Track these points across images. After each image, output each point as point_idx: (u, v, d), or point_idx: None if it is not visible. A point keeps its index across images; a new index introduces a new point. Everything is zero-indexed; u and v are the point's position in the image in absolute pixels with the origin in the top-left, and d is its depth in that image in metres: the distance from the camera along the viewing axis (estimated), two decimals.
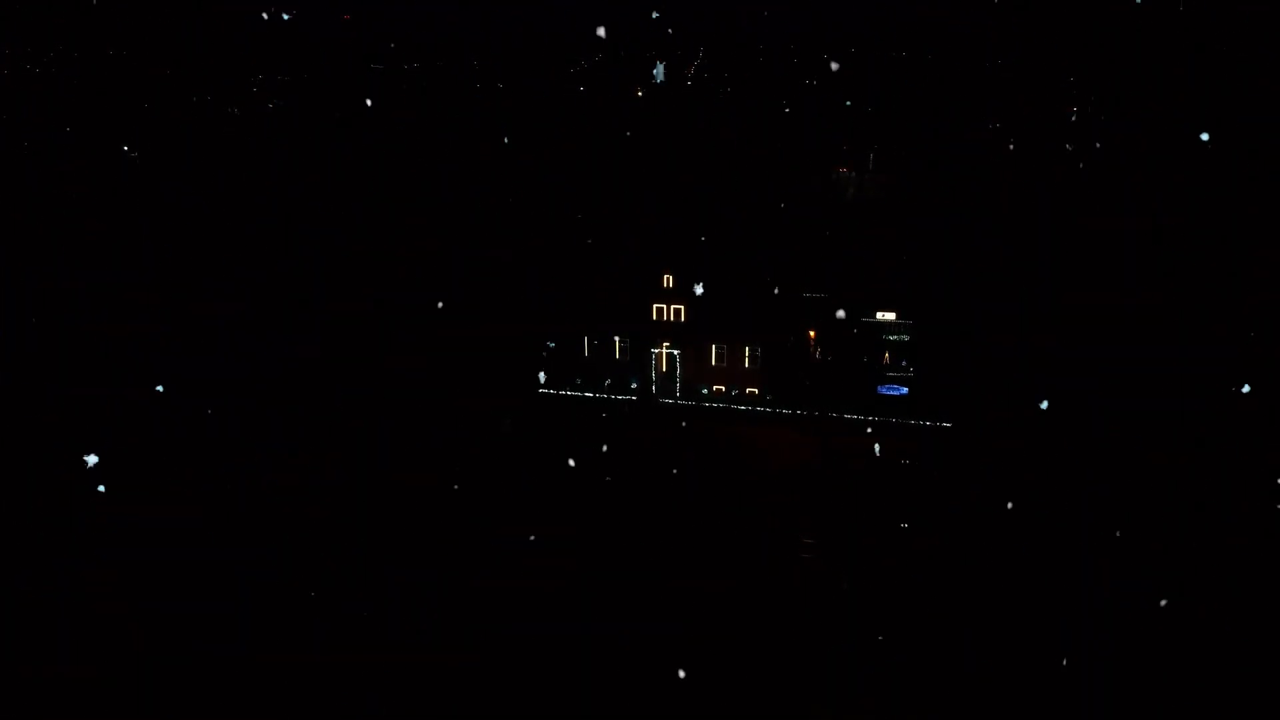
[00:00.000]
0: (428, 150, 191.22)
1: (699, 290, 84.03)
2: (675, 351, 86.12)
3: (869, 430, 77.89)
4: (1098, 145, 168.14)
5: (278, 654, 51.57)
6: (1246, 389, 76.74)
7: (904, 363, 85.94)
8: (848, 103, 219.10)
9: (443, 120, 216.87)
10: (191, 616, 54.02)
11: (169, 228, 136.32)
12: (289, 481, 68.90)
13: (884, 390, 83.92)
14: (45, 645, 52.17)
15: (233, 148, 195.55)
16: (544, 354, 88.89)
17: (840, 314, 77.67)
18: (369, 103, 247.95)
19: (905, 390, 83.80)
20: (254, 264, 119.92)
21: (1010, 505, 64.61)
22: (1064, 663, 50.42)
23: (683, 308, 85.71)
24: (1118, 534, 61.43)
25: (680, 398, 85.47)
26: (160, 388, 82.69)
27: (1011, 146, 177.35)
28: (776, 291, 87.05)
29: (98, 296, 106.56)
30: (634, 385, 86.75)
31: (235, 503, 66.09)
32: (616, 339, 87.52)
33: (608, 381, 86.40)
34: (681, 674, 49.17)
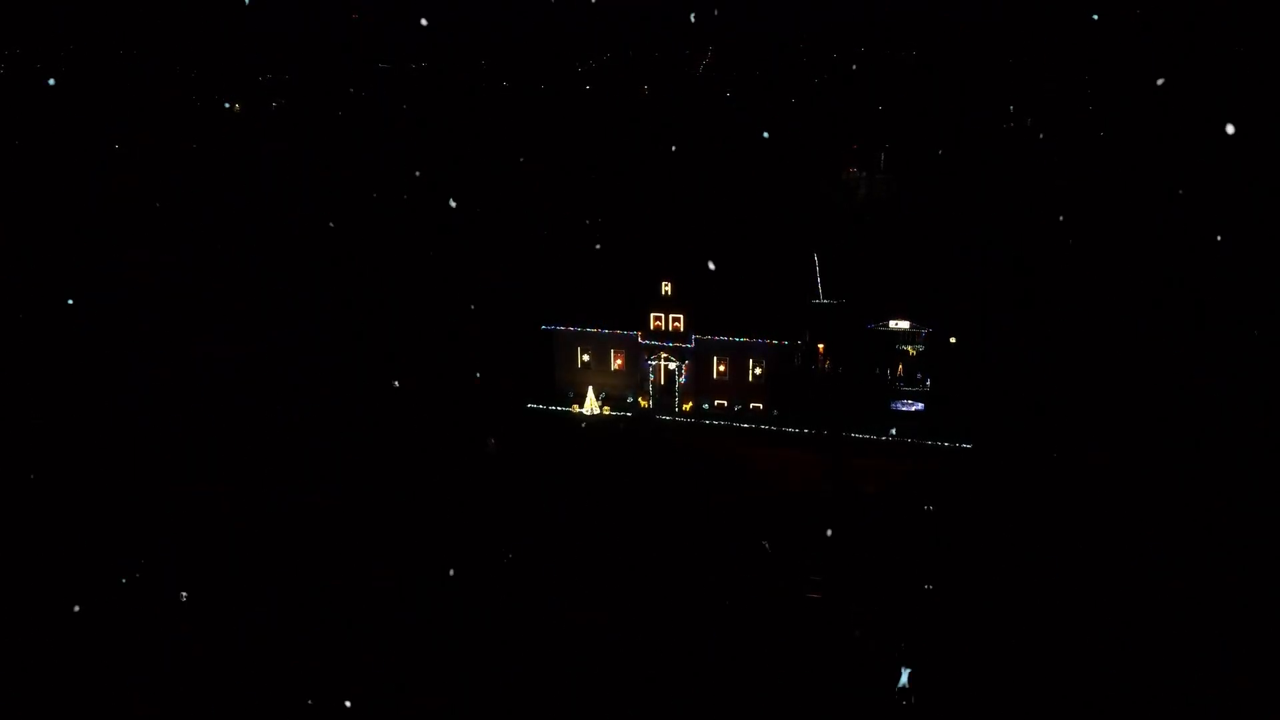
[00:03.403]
0: (428, 150, 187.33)
1: (699, 297, 78.87)
2: (674, 364, 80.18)
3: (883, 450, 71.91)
4: (1113, 141, 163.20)
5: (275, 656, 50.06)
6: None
7: (920, 376, 79.94)
8: (857, 101, 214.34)
9: (447, 120, 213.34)
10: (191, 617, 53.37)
11: (171, 226, 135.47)
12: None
13: (898, 406, 77.89)
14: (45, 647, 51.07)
15: (235, 146, 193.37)
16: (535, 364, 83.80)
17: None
18: (372, 102, 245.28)
19: (921, 406, 77.76)
20: (252, 263, 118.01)
21: (1039, 539, 58.66)
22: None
23: (683, 317, 79.76)
24: (1161, 576, 55.31)
25: (679, 413, 79.48)
26: (156, 389, 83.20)
27: (1026, 143, 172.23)
28: (782, 299, 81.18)
29: (98, 295, 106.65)
30: (630, 400, 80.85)
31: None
32: (612, 350, 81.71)
33: (603, 395, 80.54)
34: None
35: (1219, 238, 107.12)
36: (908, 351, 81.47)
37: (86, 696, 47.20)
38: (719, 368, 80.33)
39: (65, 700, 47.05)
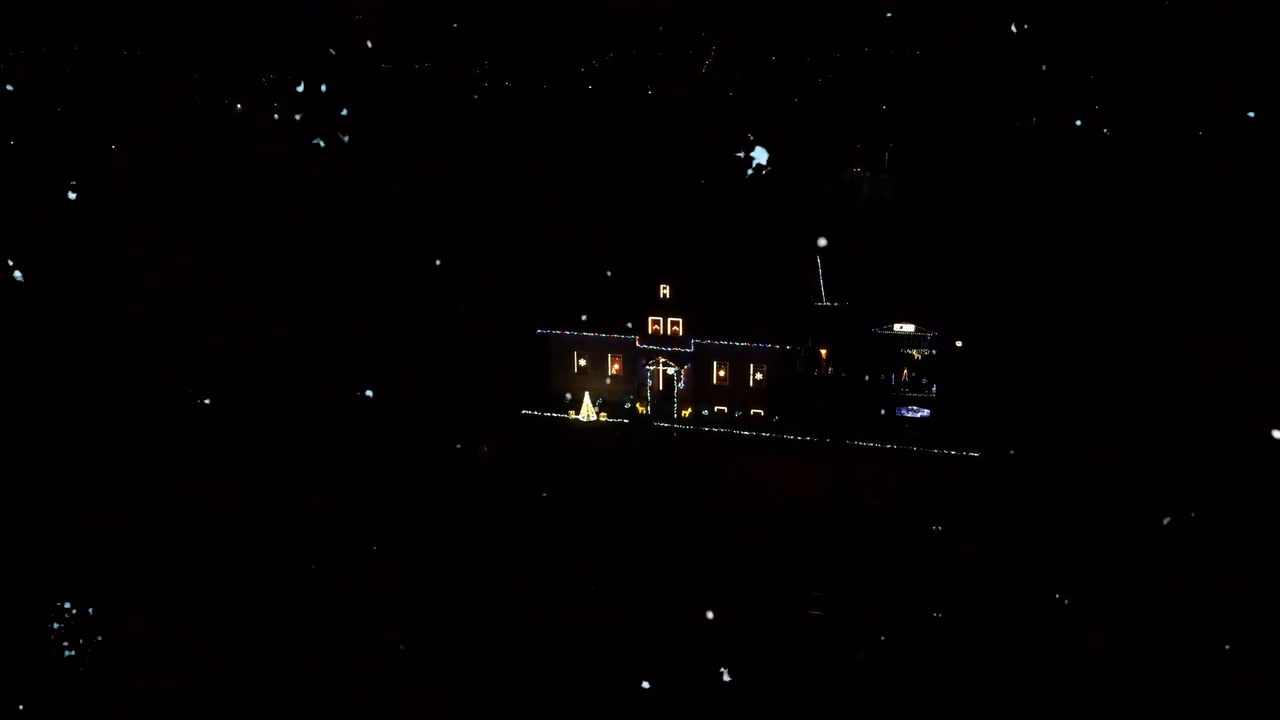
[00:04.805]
0: (429, 151, 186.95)
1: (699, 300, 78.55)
2: (673, 369, 79.87)
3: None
4: (1116, 141, 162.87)
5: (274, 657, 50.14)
6: None
7: (925, 381, 79.45)
8: (859, 101, 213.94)
9: (448, 120, 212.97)
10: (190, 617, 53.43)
11: (171, 226, 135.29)
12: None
13: (903, 412, 77.39)
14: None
15: (236, 147, 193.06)
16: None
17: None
18: (373, 102, 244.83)
19: (927, 412, 77.28)
20: (252, 263, 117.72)
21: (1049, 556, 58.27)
22: None
23: (682, 320, 79.43)
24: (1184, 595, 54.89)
25: (678, 419, 79.11)
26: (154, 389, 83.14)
27: (1030, 143, 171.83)
28: (784, 302, 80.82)
29: (100, 296, 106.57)
30: (628, 405, 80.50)
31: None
32: (609, 355, 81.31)
33: (600, 401, 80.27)
34: None
35: (1224, 238, 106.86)
36: (913, 355, 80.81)
37: (87, 696, 47.03)
38: (719, 373, 79.95)
39: (66, 700, 46.89)
